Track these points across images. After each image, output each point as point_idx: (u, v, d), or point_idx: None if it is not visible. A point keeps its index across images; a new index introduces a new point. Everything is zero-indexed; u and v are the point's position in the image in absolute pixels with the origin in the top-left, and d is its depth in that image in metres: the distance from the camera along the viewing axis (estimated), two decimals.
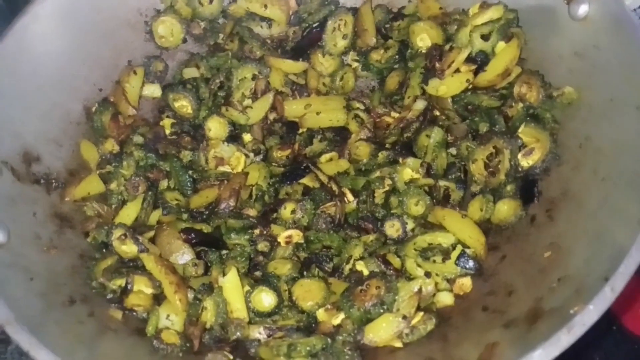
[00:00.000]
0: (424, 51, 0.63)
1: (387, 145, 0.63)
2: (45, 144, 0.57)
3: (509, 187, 0.55)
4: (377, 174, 0.60)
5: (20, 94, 0.56)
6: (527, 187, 0.54)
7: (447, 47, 0.61)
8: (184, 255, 0.55)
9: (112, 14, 0.63)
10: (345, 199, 0.59)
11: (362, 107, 0.66)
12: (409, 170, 0.59)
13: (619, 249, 0.40)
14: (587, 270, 0.42)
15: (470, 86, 0.60)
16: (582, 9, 0.54)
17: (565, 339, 0.36)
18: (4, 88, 0.54)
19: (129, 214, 0.58)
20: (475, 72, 0.59)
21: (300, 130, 0.66)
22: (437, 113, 0.62)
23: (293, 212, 0.58)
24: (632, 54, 0.49)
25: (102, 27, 0.63)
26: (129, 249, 0.55)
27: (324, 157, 0.63)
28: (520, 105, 0.57)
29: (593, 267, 0.42)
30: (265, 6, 0.66)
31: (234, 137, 0.64)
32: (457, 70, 0.59)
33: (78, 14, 0.61)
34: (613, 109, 0.50)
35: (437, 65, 0.60)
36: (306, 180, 0.60)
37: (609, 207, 0.46)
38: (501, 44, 0.58)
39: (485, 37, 0.59)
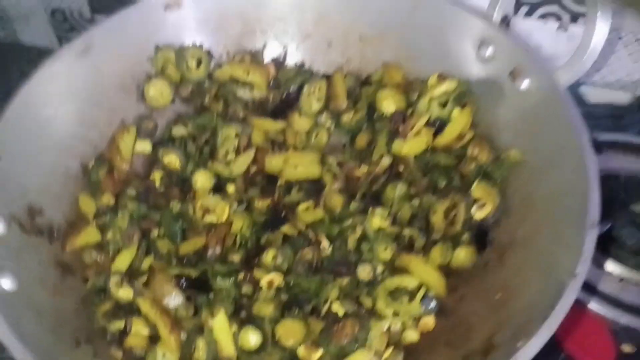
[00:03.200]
0: (389, 115, 0.71)
1: (358, 196, 0.70)
2: (47, 198, 0.62)
3: (465, 236, 0.63)
4: (350, 222, 0.67)
5: (26, 154, 0.61)
6: (480, 237, 0.62)
7: (409, 112, 0.70)
8: (175, 299, 0.60)
9: (108, 79, 0.69)
10: (322, 245, 0.65)
11: (335, 162, 0.73)
12: (377, 219, 0.66)
13: (556, 292, 0.48)
14: (530, 309, 0.50)
15: (430, 147, 0.68)
16: (524, 83, 0.63)
17: None
18: (14, 150, 0.59)
19: (124, 261, 0.62)
20: (434, 135, 0.68)
21: (280, 182, 0.72)
22: (402, 168, 0.70)
23: (274, 258, 0.64)
24: (565, 123, 0.58)
25: (98, 91, 0.69)
26: (125, 294, 0.60)
27: (302, 207, 0.69)
28: (473, 164, 0.65)
29: (536, 307, 0.49)
30: (248, 72, 0.74)
31: (218, 188, 0.70)
32: (418, 133, 0.68)
33: (77, 80, 0.67)
34: (551, 169, 0.59)
35: (401, 128, 0.68)
36: (286, 229, 0.67)
37: (549, 256, 0.54)
38: (456, 111, 0.67)
39: (442, 105, 0.68)
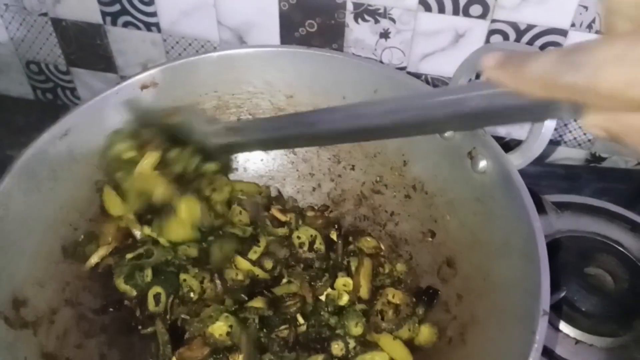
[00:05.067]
0: None
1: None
2: (31, 287, 0.64)
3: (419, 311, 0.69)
4: (323, 297, 0.71)
5: (10, 245, 0.63)
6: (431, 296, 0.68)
7: None
8: None
9: (87, 160, 0.71)
10: (297, 322, 0.69)
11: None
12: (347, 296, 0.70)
13: None
14: None
15: None
16: (482, 164, 0.67)
17: None
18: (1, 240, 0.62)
19: None
20: None
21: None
22: None
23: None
24: (517, 208, 0.61)
25: (77, 174, 0.71)
26: None
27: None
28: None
29: None
30: None
31: None
32: None
33: (57, 164, 0.69)
34: (506, 251, 0.62)
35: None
36: (260, 304, 0.70)
37: (504, 337, 0.58)
38: None
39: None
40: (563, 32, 0.80)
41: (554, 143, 0.93)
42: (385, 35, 0.86)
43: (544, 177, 0.89)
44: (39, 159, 0.68)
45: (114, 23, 0.95)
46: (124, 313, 0.70)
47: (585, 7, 0.77)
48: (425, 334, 0.66)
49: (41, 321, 0.63)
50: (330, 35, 0.88)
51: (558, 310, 0.75)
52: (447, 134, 0.71)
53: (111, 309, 0.70)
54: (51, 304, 0.66)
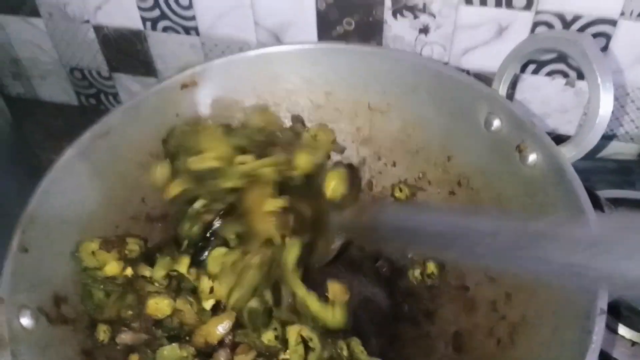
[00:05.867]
0: None
1: None
2: (71, 285, 0.64)
3: None
4: None
5: (50, 243, 0.63)
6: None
7: None
8: None
9: (128, 159, 0.72)
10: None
11: None
12: None
13: None
14: None
15: None
16: (531, 158, 0.64)
17: None
18: (39, 241, 0.61)
19: None
20: None
21: None
22: None
23: None
24: (570, 203, 0.58)
25: (118, 171, 0.71)
26: None
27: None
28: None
29: None
30: None
31: None
32: None
33: (98, 163, 0.69)
34: None
35: None
36: None
37: (558, 339, 0.55)
38: None
39: None
40: (612, 22, 0.76)
41: (605, 137, 0.89)
42: (425, 30, 0.84)
43: (595, 172, 0.84)
44: (80, 157, 0.68)
45: (153, 28, 0.96)
46: None
47: None
48: None
49: (81, 318, 0.63)
50: (368, 33, 0.86)
51: (614, 311, 0.71)
52: (494, 126, 0.68)
53: None
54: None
